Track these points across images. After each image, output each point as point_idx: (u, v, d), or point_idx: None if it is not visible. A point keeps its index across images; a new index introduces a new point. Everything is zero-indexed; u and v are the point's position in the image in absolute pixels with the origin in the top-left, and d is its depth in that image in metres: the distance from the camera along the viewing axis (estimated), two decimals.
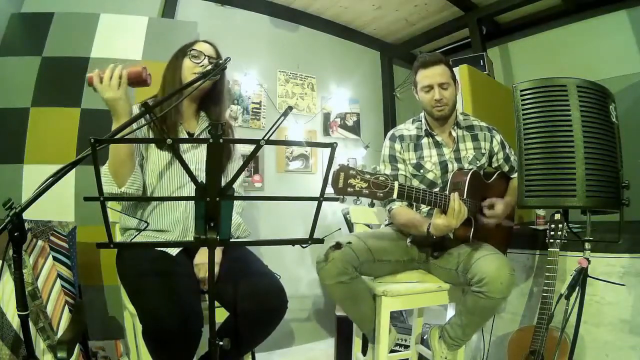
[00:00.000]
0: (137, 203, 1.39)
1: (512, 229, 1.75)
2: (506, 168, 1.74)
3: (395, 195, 1.23)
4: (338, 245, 1.41)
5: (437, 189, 1.63)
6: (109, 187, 1.23)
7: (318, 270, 1.43)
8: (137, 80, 1.23)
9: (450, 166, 1.63)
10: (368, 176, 1.19)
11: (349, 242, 1.44)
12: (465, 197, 1.43)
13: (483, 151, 1.69)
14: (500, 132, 1.76)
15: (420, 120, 1.71)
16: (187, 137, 1.41)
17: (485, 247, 1.45)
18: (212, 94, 1.45)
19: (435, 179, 1.64)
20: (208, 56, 1.39)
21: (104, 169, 1.24)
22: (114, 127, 1.19)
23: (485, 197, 1.57)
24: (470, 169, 1.56)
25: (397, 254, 1.57)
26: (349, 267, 1.39)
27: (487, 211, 1.51)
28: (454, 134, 1.68)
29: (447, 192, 1.41)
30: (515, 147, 1.44)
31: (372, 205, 1.27)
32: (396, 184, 1.23)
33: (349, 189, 1.17)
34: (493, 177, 1.67)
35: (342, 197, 1.14)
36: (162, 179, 1.35)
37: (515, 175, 1.68)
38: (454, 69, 1.70)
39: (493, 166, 1.74)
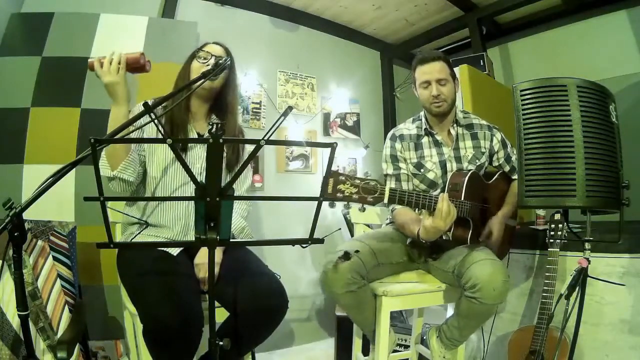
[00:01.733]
0: (140, 196, 1.40)
1: (515, 228, 1.74)
2: (507, 168, 1.72)
3: (385, 200, 1.23)
4: (347, 256, 1.39)
5: (437, 190, 1.63)
6: (103, 170, 1.28)
7: (325, 279, 1.40)
8: (136, 66, 1.25)
9: (449, 165, 1.62)
10: (358, 181, 1.19)
11: (357, 251, 1.43)
12: (463, 198, 1.42)
13: (483, 150, 1.68)
14: (501, 130, 1.74)
15: (420, 120, 1.70)
16: (196, 137, 1.42)
17: (482, 251, 1.43)
18: (221, 97, 1.45)
19: (435, 179, 1.64)
20: (216, 56, 1.38)
21: (102, 153, 1.29)
22: (112, 110, 1.24)
23: (486, 198, 1.56)
24: (469, 170, 1.55)
25: (398, 256, 1.57)
26: (357, 277, 1.38)
27: (486, 241, 1.51)
28: (453, 132, 1.67)
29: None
30: (516, 147, 1.44)
31: (362, 209, 1.28)
32: (387, 189, 1.23)
33: (338, 195, 1.18)
34: (493, 178, 1.66)
35: (331, 201, 1.15)
36: (167, 174, 1.36)
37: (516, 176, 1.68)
38: (454, 68, 1.69)
39: (494, 165, 1.73)
